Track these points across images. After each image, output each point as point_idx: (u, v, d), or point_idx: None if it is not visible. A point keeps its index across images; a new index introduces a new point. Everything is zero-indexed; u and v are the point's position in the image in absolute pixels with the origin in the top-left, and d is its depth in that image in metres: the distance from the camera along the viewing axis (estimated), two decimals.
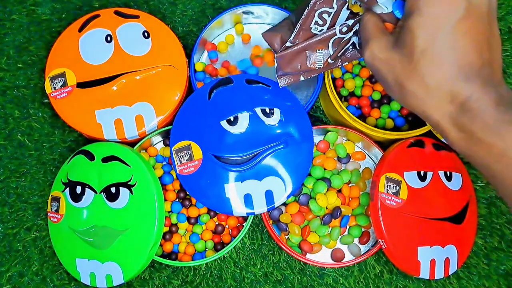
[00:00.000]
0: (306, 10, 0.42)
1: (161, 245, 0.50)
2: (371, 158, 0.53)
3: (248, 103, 0.48)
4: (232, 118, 0.48)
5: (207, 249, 0.50)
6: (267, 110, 0.48)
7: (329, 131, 0.51)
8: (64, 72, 0.51)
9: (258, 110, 0.48)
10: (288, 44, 0.44)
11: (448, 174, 0.49)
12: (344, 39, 0.42)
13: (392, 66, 0.33)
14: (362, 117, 0.53)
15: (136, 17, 0.53)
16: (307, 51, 0.43)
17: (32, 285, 0.50)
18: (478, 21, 0.30)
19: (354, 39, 0.42)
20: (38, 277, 0.50)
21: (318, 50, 0.43)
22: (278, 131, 0.48)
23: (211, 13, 0.58)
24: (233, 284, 0.50)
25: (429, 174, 0.48)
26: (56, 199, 0.49)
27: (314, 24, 0.42)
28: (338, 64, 0.44)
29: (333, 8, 0.42)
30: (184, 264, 0.48)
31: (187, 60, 0.52)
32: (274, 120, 0.48)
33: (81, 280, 0.47)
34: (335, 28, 0.41)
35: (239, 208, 0.47)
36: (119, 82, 0.50)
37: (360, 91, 0.53)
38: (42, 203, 0.53)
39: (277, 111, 0.48)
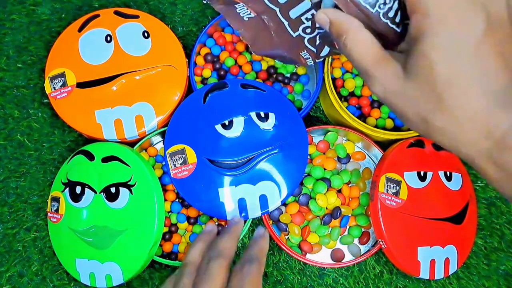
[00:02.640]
0: None
1: (161, 245, 0.50)
2: (371, 158, 0.53)
3: (243, 107, 0.48)
4: (227, 122, 0.48)
5: None
6: (262, 114, 0.48)
7: (329, 131, 0.51)
8: (64, 72, 0.51)
9: (253, 114, 0.48)
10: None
11: (448, 174, 0.49)
12: (320, 34, 0.41)
13: (410, 100, 0.27)
14: (362, 117, 0.53)
15: (136, 17, 0.53)
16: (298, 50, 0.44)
17: (31, 285, 0.50)
18: (501, 31, 0.26)
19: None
20: (38, 277, 0.50)
21: (302, 52, 0.44)
22: (273, 135, 0.48)
23: (211, 13, 0.58)
24: None
25: (429, 174, 0.48)
26: (56, 199, 0.49)
27: None
28: (336, 50, 0.42)
29: None
30: None
31: (187, 60, 0.52)
32: (268, 124, 0.48)
33: (81, 280, 0.47)
34: (298, 32, 0.42)
35: (233, 213, 0.46)
36: (118, 82, 0.50)
37: (360, 91, 0.53)
38: (41, 203, 0.53)
39: (271, 115, 0.48)
